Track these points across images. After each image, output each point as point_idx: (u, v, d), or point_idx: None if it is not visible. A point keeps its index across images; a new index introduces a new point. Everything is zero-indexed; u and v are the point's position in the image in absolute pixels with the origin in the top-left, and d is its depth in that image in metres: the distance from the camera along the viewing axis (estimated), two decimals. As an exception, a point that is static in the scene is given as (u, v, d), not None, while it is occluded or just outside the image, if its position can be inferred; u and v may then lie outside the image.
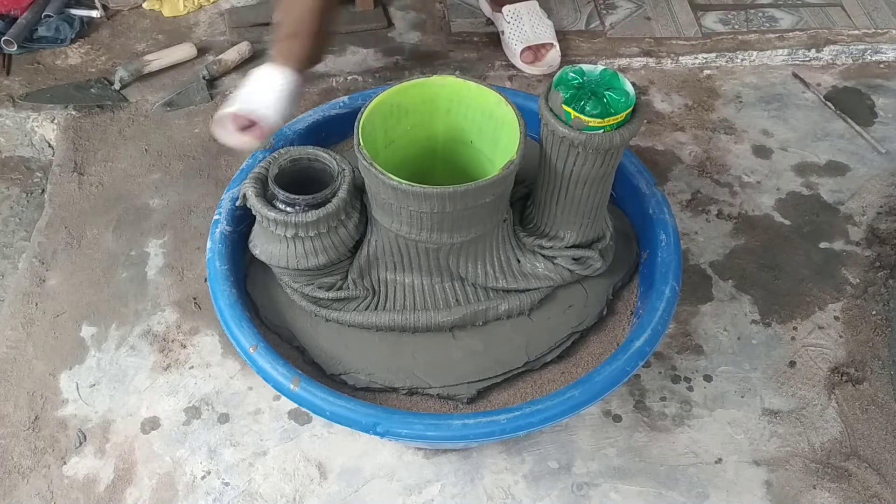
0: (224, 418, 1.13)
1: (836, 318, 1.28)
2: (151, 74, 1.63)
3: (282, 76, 1.19)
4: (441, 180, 0.96)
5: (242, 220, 1.07)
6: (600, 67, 0.89)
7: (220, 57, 1.64)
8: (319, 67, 1.67)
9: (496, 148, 1.01)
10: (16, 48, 1.62)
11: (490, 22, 1.79)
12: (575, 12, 1.84)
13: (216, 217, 1.06)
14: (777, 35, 1.79)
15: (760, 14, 1.85)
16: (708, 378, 1.20)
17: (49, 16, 1.69)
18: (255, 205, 0.96)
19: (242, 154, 1.13)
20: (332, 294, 1.03)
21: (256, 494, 1.06)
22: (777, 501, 1.08)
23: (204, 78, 1.61)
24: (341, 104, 1.21)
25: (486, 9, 1.77)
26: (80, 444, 1.11)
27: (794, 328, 1.27)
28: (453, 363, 1.03)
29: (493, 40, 1.75)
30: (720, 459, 1.11)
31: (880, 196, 1.48)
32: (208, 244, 1.03)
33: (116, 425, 1.13)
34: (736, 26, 1.81)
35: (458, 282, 1.02)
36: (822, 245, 1.39)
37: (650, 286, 1.03)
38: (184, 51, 1.66)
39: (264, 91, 1.17)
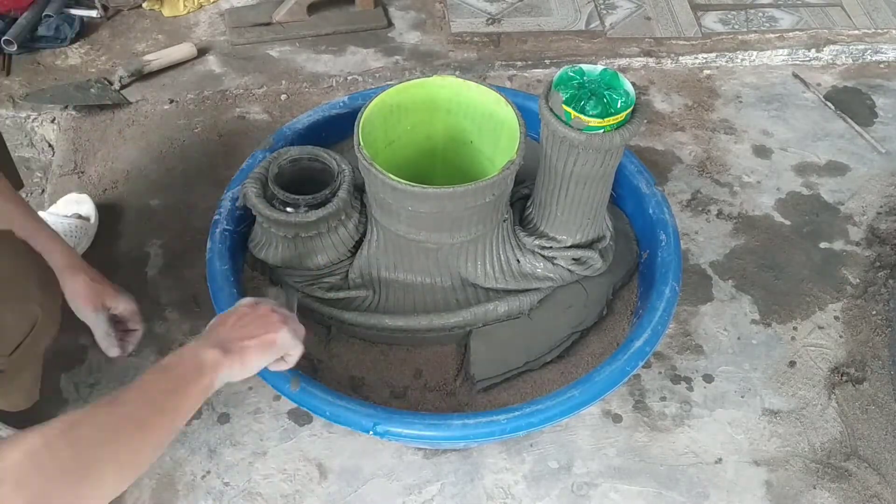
0: (224, 418, 1.13)
1: (836, 318, 1.28)
2: (151, 74, 1.63)
3: None
4: (441, 180, 0.96)
5: (242, 220, 1.07)
6: (600, 67, 0.89)
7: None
8: (319, 67, 1.68)
9: (496, 148, 1.01)
10: (16, 48, 1.62)
11: (490, 22, 1.79)
12: (575, 12, 1.84)
13: (216, 217, 1.06)
14: (777, 35, 1.79)
15: (760, 14, 1.85)
16: (708, 378, 1.20)
17: (49, 16, 1.69)
18: (256, 205, 0.96)
19: (243, 155, 1.13)
20: (332, 294, 1.03)
21: (256, 494, 1.06)
22: (777, 501, 1.08)
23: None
24: (341, 104, 1.21)
25: None
26: (80, 444, 1.10)
27: (795, 328, 1.27)
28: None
29: (493, 40, 1.75)
30: (720, 459, 1.11)
31: (880, 196, 1.48)
32: (208, 244, 1.03)
33: (116, 425, 1.12)
34: (736, 26, 1.81)
35: (457, 282, 1.02)
36: (822, 245, 1.39)
37: (650, 286, 1.03)
38: (184, 51, 1.66)
39: None
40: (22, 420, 1.05)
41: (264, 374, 0.87)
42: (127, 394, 0.70)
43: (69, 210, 1.32)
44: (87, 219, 1.32)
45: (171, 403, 0.71)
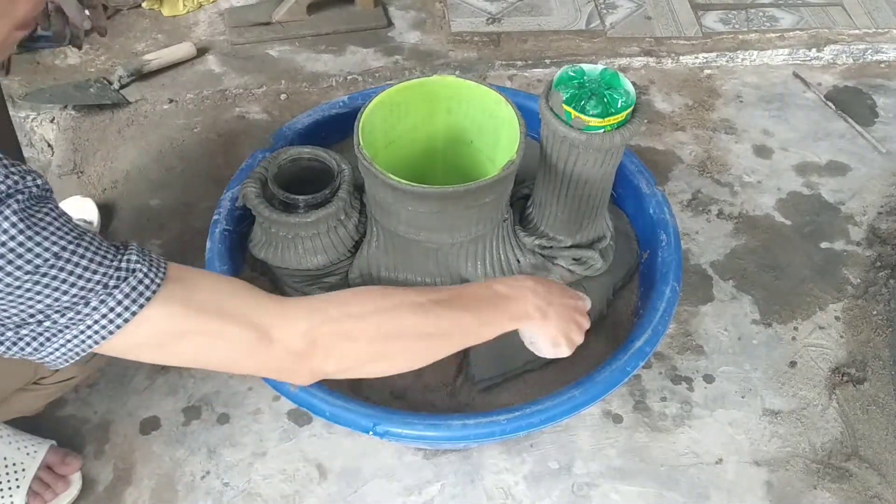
0: (224, 418, 1.13)
1: (837, 318, 1.28)
2: (151, 74, 1.63)
3: None
4: (441, 180, 0.96)
5: (242, 220, 1.06)
6: (600, 67, 0.89)
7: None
8: (319, 67, 1.67)
9: (496, 148, 1.01)
10: (15, 48, 1.61)
11: (491, 21, 1.79)
12: (575, 12, 1.84)
13: (216, 217, 1.06)
14: (777, 35, 1.79)
15: (761, 13, 1.85)
16: (708, 378, 1.20)
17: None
18: (255, 205, 0.96)
19: (243, 155, 1.13)
20: (331, 294, 1.02)
21: (256, 494, 1.06)
22: (778, 502, 1.07)
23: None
24: (341, 104, 1.21)
25: None
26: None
27: (795, 328, 1.27)
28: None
29: (493, 40, 1.75)
30: (721, 460, 1.11)
31: (881, 196, 1.48)
32: (208, 244, 1.03)
33: (116, 426, 1.12)
34: (736, 26, 1.81)
35: (458, 282, 1.02)
36: (823, 245, 1.39)
37: (650, 286, 1.03)
38: (183, 50, 1.66)
39: None
40: (19, 421, 1.04)
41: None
42: (457, 300, 0.79)
43: (74, 215, 1.32)
44: (90, 223, 1.32)
45: (482, 322, 0.80)
